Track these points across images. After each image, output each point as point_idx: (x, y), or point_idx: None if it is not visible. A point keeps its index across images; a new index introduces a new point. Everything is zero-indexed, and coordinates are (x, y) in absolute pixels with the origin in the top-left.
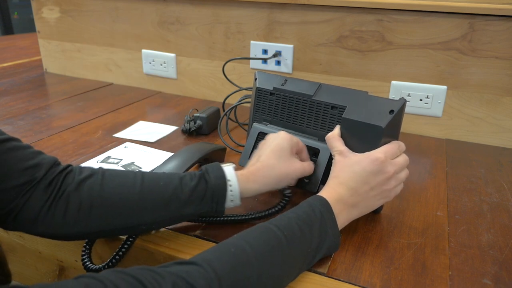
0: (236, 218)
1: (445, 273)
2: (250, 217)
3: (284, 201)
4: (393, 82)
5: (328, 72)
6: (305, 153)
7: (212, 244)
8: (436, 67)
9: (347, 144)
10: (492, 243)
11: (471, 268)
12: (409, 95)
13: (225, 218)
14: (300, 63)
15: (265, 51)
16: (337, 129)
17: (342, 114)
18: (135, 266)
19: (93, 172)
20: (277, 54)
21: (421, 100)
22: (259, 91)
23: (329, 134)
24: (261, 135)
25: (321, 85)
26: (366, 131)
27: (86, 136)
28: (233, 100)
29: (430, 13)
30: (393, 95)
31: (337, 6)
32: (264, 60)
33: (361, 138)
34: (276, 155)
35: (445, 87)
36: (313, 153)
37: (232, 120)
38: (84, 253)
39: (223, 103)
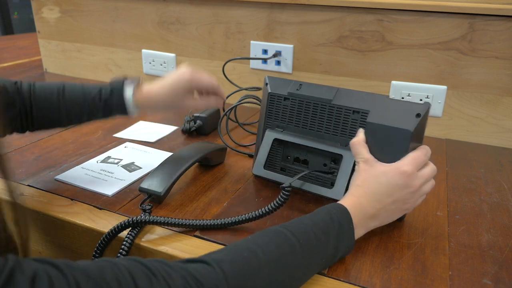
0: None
1: (445, 273)
2: (243, 218)
3: (281, 200)
4: (393, 82)
5: (328, 72)
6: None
7: (211, 244)
8: (436, 67)
9: (372, 149)
10: (492, 243)
11: (471, 268)
12: (409, 95)
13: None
14: (300, 63)
15: (265, 51)
16: (361, 134)
17: (364, 118)
18: (151, 258)
19: (27, 87)
20: (277, 54)
21: (421, 100)
22: (272, 96)
23: (354, 139)
24: (276, 142)
25: (339, 89)
26: (393, 135)
27: (86, 136)
28: (233, 100)
29: (430, 13)
30: (393, 95)
31: (337, 6)
32: (264, 60)
33: (388, 143)
34: (173, 90)
35: (445, 87)
36: (333, 159)
37: (232, 120)
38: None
39: (223, 103)
